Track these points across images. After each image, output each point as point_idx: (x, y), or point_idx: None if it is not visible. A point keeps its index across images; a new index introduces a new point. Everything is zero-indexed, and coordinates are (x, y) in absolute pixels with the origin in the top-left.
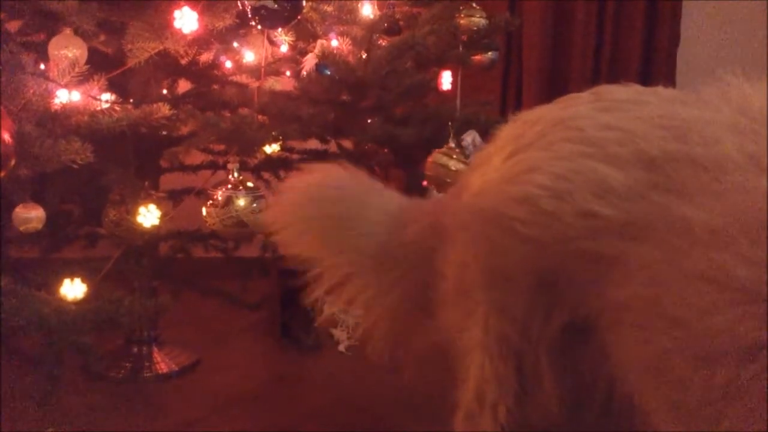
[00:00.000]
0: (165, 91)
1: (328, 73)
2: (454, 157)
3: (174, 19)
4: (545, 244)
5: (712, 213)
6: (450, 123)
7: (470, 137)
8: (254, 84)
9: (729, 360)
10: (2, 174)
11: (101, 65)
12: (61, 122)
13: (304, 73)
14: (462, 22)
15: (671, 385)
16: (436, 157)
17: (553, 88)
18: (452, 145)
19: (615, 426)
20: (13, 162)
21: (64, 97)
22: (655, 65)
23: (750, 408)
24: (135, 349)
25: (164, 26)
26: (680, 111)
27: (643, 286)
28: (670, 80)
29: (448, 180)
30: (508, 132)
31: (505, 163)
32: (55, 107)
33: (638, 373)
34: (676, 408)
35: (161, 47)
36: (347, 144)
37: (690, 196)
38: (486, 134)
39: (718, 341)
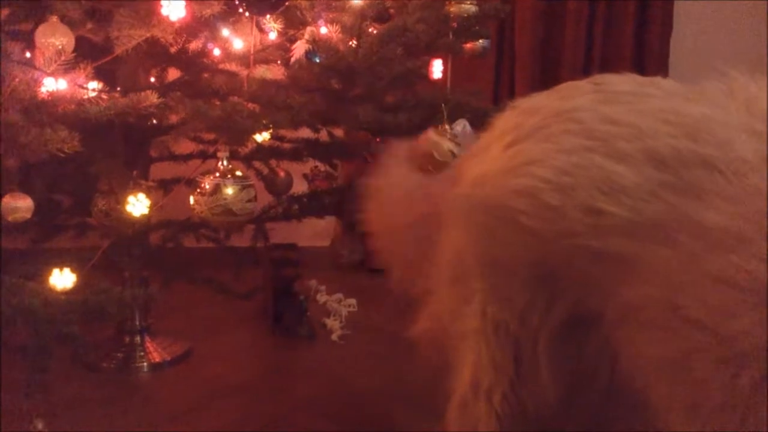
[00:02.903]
0: (153, 80)
1: (318, 60)
2: (447, 137)
3: (161, 6)
4: (547, 238)
5: (730, 216)
6: (443, 105)
7: (460, 126)
8: (244, 72)
9: (752, 362)
10: None
11: (89, 53)
12: (47, 111)
13: (293, 58)
14: (452, 9)
15: (690, 386)
16: (430, 134)
17: (546, 76)
18: (446, 127)
19: (612, 418)
20: None
21: (51, 85)
22: (647, 54)
23: None
24: (127, 339)
25: (151, 13)
26: (687, 108)
27: (657, 288)
28: (662, 68)
29: (438, 158)
30: (506, 121)
31: (504, 153)
32: (42, 96)
33: (652, 372)
34: (694, 408)
35: (148, 35)
36: (338, 132)
37: (705, 198)
38: (477, 122)
39: (740, 344)
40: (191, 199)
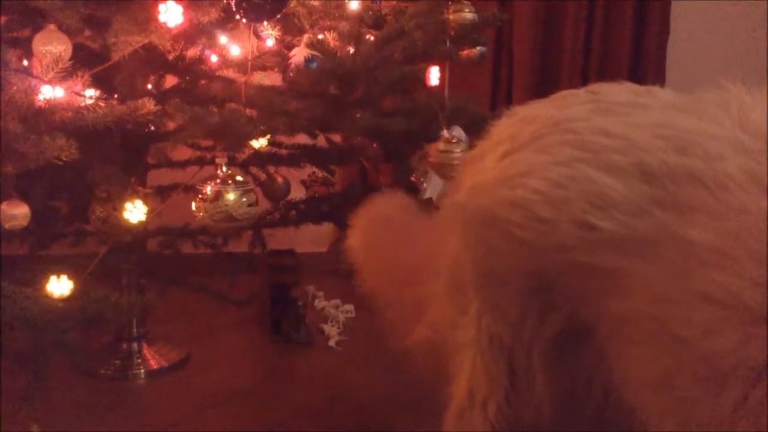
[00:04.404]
0: (150, 87)
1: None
2: (453, 141)
3: (159, 12)
4: (540, 250)
5: (715, 233)
6: (441, 113)
7: (455, 132)
8: (241, 79)
9: (736, 381)
10: None
11: (86, 61)
12: (45, 119)
13: (292, 64)
14: (451, 17)
15: (676, 402)
16: (440, 145)
17: (544, 83)
18: (446, 134)
19: (608, 429)
20: None
21: (49, 93)
22: (645, 60)
23: (759, 428)
24: (124, 346)
25: (149, 20)
26: (680, 121)
27: (645, 303)
28: (659, 75)
29: (453, 166)
30: (501, 129)
31: (498, 163)
32: (39, 104)
33: (641, 386)
34: (681, 424)
35: (146, 41)
36: (336, 138)
37: (692, 214)
38: (474, 129)
39: (724, 362)
40: (193, 206)
